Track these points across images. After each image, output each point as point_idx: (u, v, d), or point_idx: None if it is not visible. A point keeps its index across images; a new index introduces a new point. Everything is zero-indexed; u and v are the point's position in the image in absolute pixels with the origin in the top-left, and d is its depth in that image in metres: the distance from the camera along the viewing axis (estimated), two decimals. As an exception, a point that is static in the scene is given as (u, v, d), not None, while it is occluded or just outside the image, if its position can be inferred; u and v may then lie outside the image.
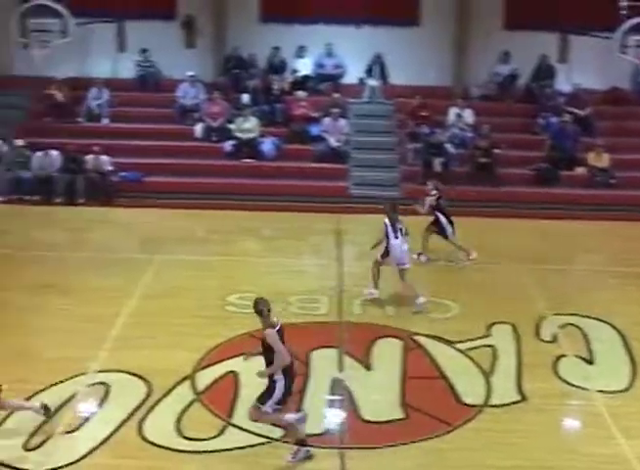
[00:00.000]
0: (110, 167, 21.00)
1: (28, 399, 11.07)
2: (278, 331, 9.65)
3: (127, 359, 12.25)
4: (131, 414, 10.87)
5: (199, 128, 22.41)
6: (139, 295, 14.92)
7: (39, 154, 21.27)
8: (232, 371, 11.99)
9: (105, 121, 22.90)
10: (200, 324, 13.70)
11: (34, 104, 23.37)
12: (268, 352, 9.58)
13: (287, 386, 9.68)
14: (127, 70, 23.91)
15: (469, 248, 16.84)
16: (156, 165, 21.58)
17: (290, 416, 9.88)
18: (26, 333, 13.44)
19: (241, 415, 10.79)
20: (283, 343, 9.59)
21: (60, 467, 9.76)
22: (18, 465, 9.79)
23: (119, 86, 23.47)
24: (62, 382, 11.63)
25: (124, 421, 10.73)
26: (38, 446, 10.20)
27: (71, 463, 9.85)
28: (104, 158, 21.06)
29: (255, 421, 9.98)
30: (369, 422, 10.94)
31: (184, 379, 11.76)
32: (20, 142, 21.46)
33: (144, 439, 10.37)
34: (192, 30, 23.81)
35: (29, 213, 19.83)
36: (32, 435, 10.38)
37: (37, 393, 11.26)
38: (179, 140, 22.33)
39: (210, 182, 21.05)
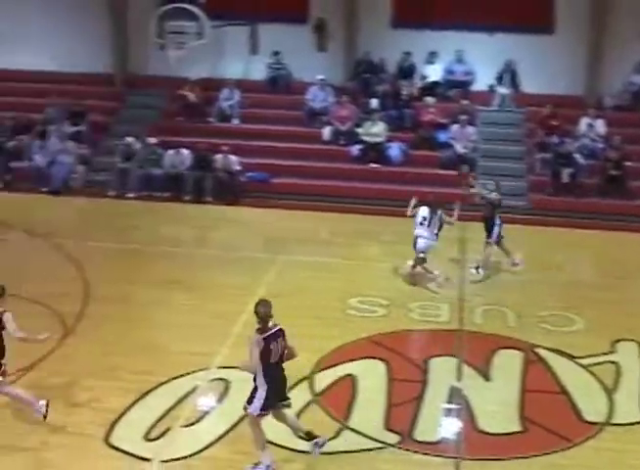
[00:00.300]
0: (238, 167, 21.34)
1: (149, 391, 11.37)
2: (269, 336, 9.53)
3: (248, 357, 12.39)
4: (250, 411, 11.03)
5: (327, 131, 22.57)
6: (262, 293, 15.04)
7: (171, 152, 21.78)
8: (350, 374, 12.05)
9: (235, 122, 23.29)
10: (320, 326, 13.78)
11: (168, 103, 23.95)
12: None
13: (269, 395, 9.56)
14: (259, 71, 24.24)
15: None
16: (283, 167, 21.82)
17: (266, 456, 9.70)
18: (152, 327, 13.79)
19: (357, 419, 10.85)
20: (269, 346, 9.48)
21: (178, 459, 9.98)
22: (138, 454, 10.07)
23: (250, 88, 23.82)
24: (184, 376, 11.89)
25: (243, 418, 10.87)
26: (158, 438, 10.45)
27: (190, 455, 10.07)
28: (232, 157, 21.41)
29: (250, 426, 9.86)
30: (486, 433, 10.82)
31: (302, 380, 11.84)
32: (152, 140, 22.02)
33: (261, 436, 10.51)
34: (323, 34, 23.96)
35: (159, 210, 20.31)
36: (153, 426, 10.64)
37: (160, 385, 11.55)
38: (307, 142, 22.52)
39: (336, 185, 21.18)
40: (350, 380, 11.94)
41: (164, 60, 22.42)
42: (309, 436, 9.97)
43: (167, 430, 10.59)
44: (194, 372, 12.01)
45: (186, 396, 11.42)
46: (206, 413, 11.13)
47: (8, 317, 10.19)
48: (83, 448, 10.08)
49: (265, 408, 9.66)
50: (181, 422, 10.82)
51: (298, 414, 10.91)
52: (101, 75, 24.55)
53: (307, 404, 11.24)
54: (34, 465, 9.85)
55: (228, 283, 15.53)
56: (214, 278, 15.78)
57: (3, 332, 10.23)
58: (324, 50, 24.08)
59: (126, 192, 21.23)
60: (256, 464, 9.73)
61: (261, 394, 9.59)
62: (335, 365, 12.35)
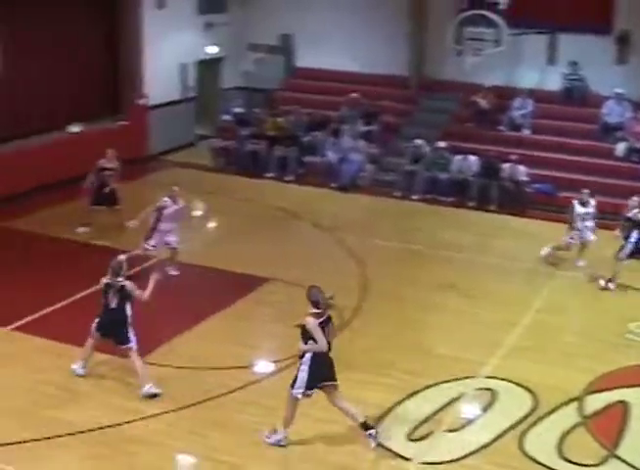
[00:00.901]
0: (525, 178, 21.09)
1: (415, 392, 11.53)
2: (323, 321, 10.06)
3: (517, 370, 12.30)
4: (514, 425, 10.93)
5: (620, 147, 21.81)
6: (537, 307, 14.89)
7: (458, 157, 21.87)
8: (623, 401, 11.64)
9: (526, 132, 23.00)
10: (594, 347, 13.42)
11: (460, 109, 24.05)
12: (305, 337, 10.05)
13: (313, 372, 9.99)
14: (553, 82, 23.75)
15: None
16: (570, 181, 21.30)
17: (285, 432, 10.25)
18: (424, 328, 14.00)
19: (626, 448, 10.47)
20: (323, 332, 10.02)
21: (437, 463, 10.08)
22: (398, 452, 10.27)
23: (544, 98, 23.41)
24: (451, 381, 11.98)
25: (506, 431, 10.81)
26: (420, 439, 10.60)
27: (449, 461, 10.13)
28: (520, 167, 21.16)
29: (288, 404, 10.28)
30: None
31: (572, 400, 11.59)
32: (441, 144, 22.21)
33: (523, 452, 10.39)
34: (626, 46, 23.17)
35: (442, 214, 20.41)
36: (417, 427, 10.80)
37: (427, 387, 11.70)
38: (598, 157, 21.85)
39: (624, 204, 20.36)
40: (622, 407, 11.52)
41: (459, 65, 22.53)
42: (365, 426, 10.23)
43: (430, 433, 10.71)
44: (461, 379, 12.07)
45: (451, 401, 11.49)
46: (470, 422, 11.14)
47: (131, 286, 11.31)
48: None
49: (310, 388, 10.08)
50: (444, 427, 10.91)
51: (565, 435, 10.73)
52: (396, 78, 25.02)
53: (575, 426, 10.99)
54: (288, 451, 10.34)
55: (505, 293, 15.45)
56: (492, 286, 15.74)
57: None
58: (624, 63, 23.27)
59: (411, 194, 21.55)
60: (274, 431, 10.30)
61: (305, 369, 10.04)
62: (607, 389, 11.97)
